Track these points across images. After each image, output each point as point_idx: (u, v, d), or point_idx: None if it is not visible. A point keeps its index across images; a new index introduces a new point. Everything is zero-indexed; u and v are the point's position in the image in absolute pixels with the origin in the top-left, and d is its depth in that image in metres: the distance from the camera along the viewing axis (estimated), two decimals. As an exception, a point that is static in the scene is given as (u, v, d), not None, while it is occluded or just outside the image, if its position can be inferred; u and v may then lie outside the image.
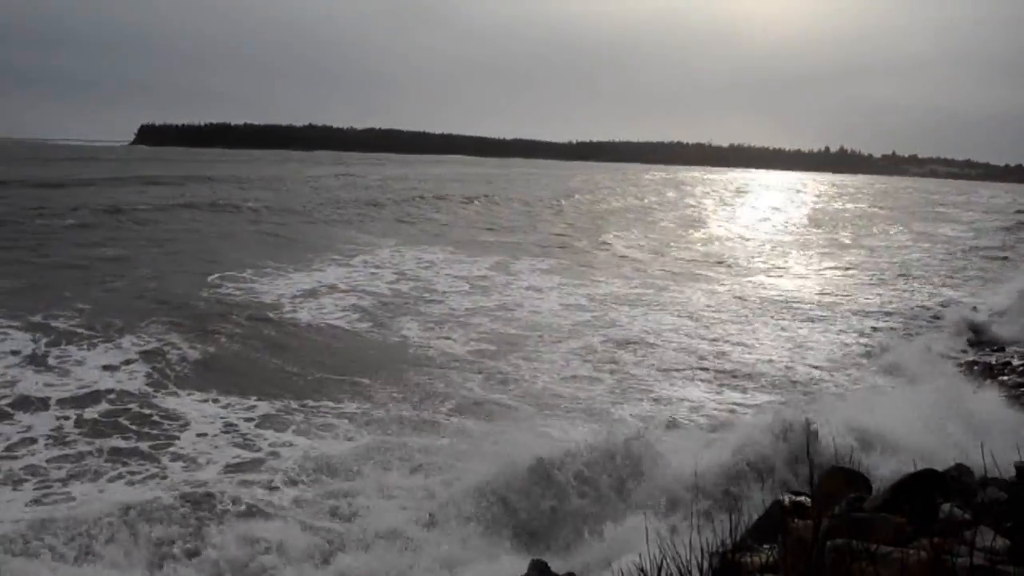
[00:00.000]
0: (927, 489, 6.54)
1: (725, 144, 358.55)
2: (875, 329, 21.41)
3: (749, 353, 18.18)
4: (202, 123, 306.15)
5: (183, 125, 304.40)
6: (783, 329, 20.91)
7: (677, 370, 16.43)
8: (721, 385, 15.51)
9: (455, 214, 49.94)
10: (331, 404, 13.22)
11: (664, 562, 4.26)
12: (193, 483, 9.81)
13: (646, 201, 75.47)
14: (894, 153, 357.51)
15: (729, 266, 34.10)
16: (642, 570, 4.46)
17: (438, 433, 11.95)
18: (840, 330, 21.04)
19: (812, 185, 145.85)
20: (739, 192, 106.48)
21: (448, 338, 18.25)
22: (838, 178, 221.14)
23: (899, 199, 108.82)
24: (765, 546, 6.10)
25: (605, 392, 14.69)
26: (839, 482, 8.67)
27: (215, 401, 13.12)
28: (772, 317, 22.49)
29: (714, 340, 19.34)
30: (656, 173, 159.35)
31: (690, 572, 4.29)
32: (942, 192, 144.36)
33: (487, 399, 13.90)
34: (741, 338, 19.69)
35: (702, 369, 16.63)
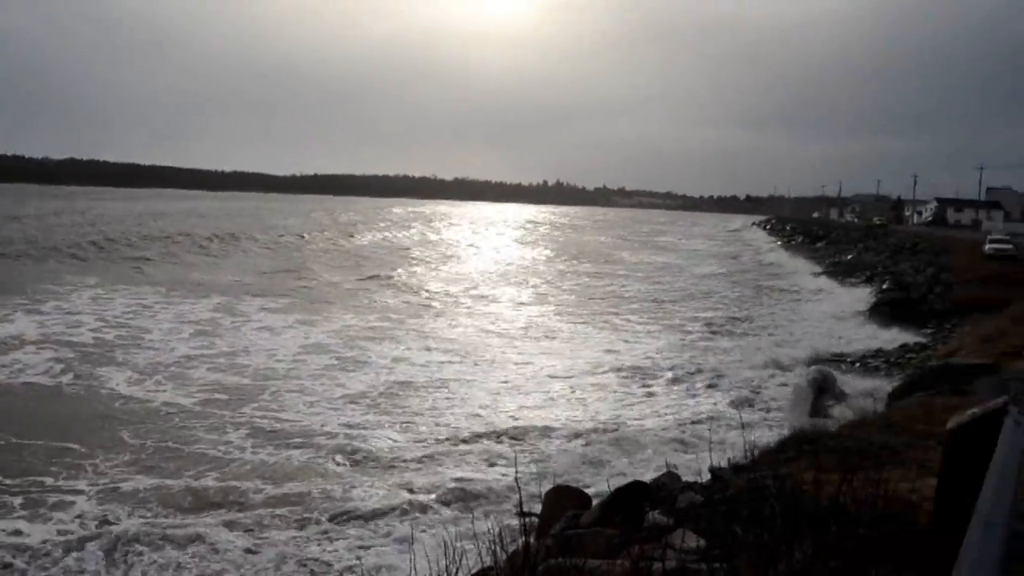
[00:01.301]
0: (636, 499, 6.94)
1: (450, 178, 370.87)
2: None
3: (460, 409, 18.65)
4: None
5: None
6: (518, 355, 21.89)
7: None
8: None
9: (176, 253, 46.71)
10: (47, 481, 11.43)
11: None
12: None
13: (390, 236, 75.56)
14: (605, 186, 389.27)
15: (475, 297, 35.11)
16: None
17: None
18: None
19: (542, 216, 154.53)
20: (484, 224, 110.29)
21: (163, 389, 16.80)
22: (560, 209, 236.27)
23: (628, 228, 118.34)
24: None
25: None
26: (562, 500, 9.02)
27: None
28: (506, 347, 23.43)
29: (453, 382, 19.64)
30: (397, 208, 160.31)
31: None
32: (659, 222, 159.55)
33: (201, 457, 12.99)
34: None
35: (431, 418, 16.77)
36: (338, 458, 12.93)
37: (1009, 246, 44.07)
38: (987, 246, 44.50)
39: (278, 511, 10.57)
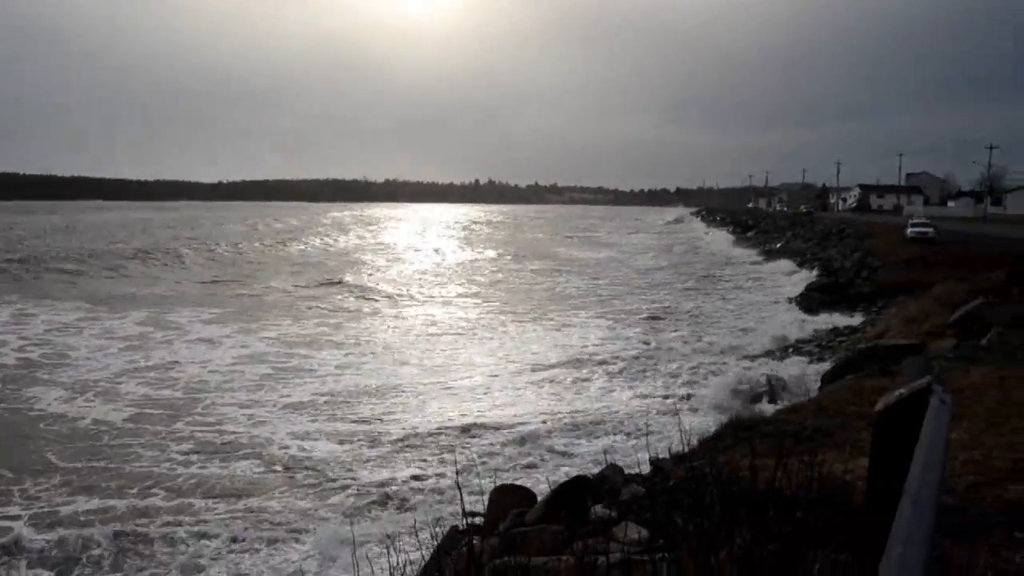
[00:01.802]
0: (579, 494, 6.98)
1: (380, 180, 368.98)
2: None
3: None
4: None
5: None
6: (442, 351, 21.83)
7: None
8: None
9: (105, 266, 45.27)
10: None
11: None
12: None
13: (328, 241, 74.58)
14: (537, 183, 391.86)
15: (409, 297, 34.86)
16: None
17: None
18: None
19: (477, 216, 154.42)
20: (421, 225, 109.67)
21: (92, 407, 16.25)
22: (494, 208, 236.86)
23: (566, 224, 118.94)
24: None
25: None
26: (507, 498, 9.02)
27: None
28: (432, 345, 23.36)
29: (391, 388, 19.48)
30: (332, 212, 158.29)
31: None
32: (596, 216, 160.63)
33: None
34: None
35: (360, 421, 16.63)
36: (282, 468, 12.72)
37: (929, 229, 45.62)
38: (909, 230, 46.00)
39: (234, 526, 10.38)
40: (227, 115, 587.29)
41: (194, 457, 13.20)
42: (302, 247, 66.65)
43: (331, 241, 76.03)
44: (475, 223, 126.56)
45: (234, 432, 14.57)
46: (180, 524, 10.44)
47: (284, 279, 42.68)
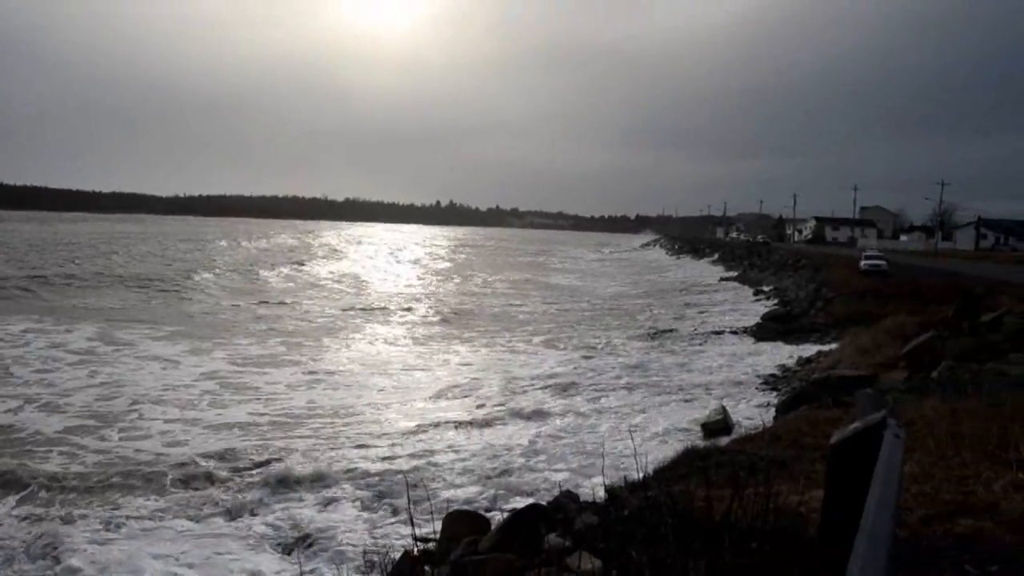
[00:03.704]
0: (533, 522, 6.88)
1: (341, 199, 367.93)
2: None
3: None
4: None
5: None
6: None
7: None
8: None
9: (57, 281, 44.17)
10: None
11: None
12: None
13: (290, 259, 73.80)
14: (498, 206, 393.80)
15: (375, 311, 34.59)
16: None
17: None
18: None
19: (437, 237, 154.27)
20: (383, 245, 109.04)
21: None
22: (454, 230, 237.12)
23: (529, 246, 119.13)
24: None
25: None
26: (460, 525, 8.88)
27: None
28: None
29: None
30: (297, 229, 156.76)
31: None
32: (560, 241, 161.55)
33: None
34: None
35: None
36: (221, 489, 12.43)
37: (882, 262, 46.53)
38: (863, 262, 46.87)
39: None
40: (184, 128, 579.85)
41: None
42: (263, 265, 65.84)
43: (292, 260, 75.28)
44: (438, 245, 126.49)
45: (167, 448, 14.31)
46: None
47: (243, 297, 42.05)
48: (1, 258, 54.96)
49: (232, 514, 11.40)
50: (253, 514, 11.38)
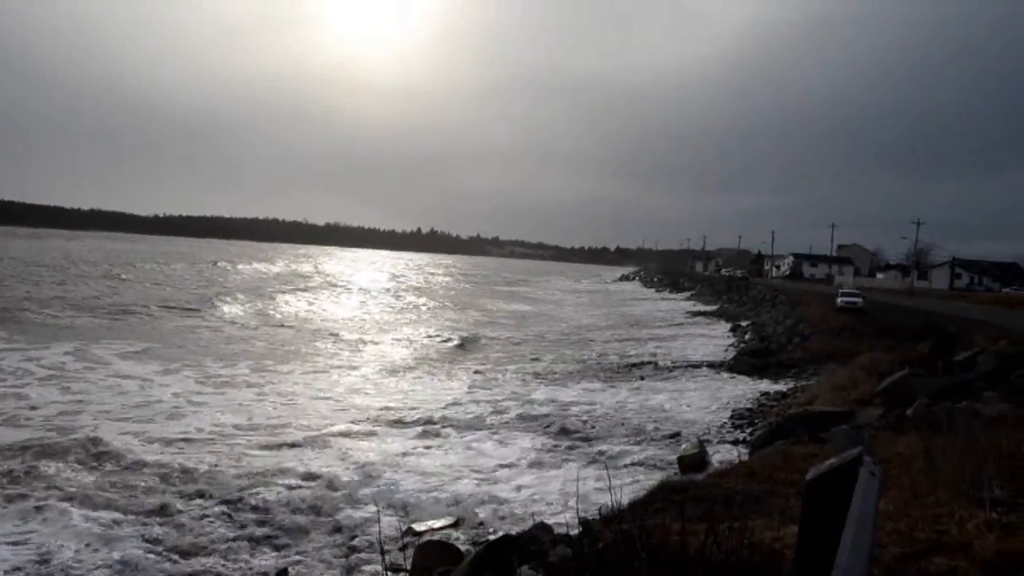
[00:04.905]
0: (505, 554, 6.79)
1: (322, 223, 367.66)
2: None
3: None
4: None
5: None
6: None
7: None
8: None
9: (35, 301, 43.51)
10: None
11: None
12: None
13: (274, 286, 73.28)
14: (479, 235, 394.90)
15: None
16: None
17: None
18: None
19: (418, 263, 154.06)
20: (366, 270, 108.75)
21: None
22: (435, 257, 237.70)
23: (511, 275, 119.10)
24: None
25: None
26: (433, 556, 8.76)
27: None
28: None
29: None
30: (278, 253, 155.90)
31: None
32: (543, 272, 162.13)
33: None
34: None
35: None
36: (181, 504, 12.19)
37: (859, 299, 46.93)
38: (839, 299, 47.24)
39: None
40: (163, 147, 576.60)
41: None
42: (246, 287, 65.35)
43: (276, 286, 74.84)
44: (420, 270, 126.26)
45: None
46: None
47: (219, 316, 41.67)
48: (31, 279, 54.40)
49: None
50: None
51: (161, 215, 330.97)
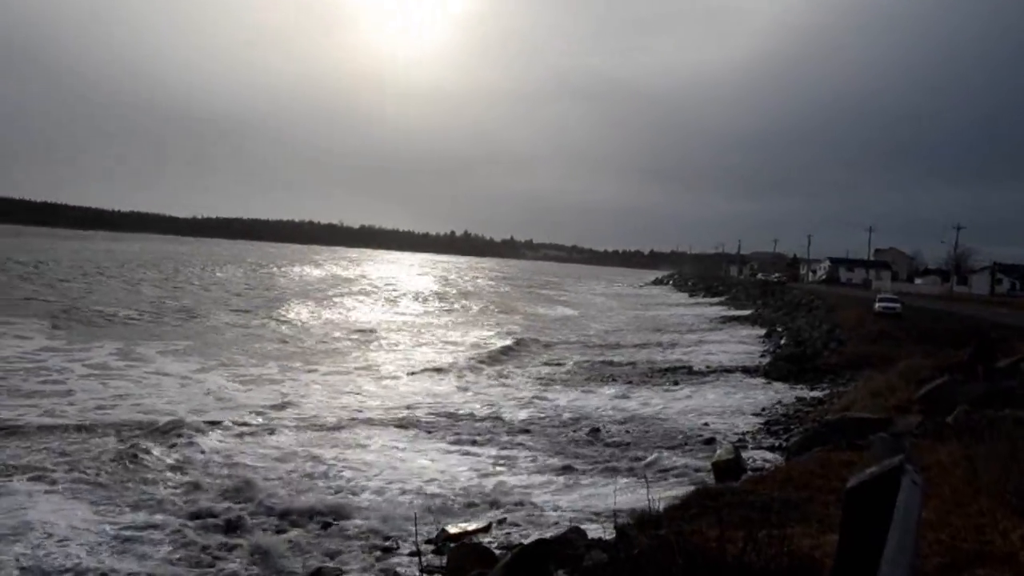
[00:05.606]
0: (540, 558, 6.81)
1: (356, 225, 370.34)
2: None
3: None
4: None
5: None
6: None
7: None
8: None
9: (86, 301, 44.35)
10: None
11: None
12: None
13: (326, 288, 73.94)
14: (512, 238, 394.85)
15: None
16: None
17: None
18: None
19: (456, 265, 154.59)
20: (404, 271, 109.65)
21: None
22: (470, 260, 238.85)
23: (547, 279, 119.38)
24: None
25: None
26: (467, 559, 8.79)
27: None
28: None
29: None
30: (322, 255, 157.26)
31: None
32: (579, 275, 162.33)
33: None
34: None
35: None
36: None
37: (897, 304, 46.26)
38: (877, 304, 46.59)
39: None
40: (204, 150, 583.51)
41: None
42: (296, 291, 65.97)
43: (329, 290, 75.46)
44: (461, 272, 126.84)
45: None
46: None
47: (243, 315, 42.17)
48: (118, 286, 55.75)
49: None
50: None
51: (200, 217, 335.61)
